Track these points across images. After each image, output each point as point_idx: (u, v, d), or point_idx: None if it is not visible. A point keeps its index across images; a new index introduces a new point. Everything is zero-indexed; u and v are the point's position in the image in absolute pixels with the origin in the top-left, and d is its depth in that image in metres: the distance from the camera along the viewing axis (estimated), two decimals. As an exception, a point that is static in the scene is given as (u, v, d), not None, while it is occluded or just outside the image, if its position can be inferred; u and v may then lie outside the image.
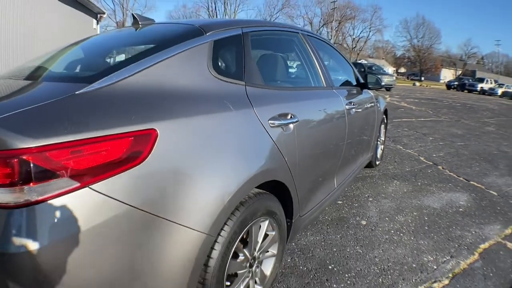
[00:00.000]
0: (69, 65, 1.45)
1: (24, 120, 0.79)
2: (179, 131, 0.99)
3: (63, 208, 0.77)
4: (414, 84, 32.51)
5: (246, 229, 1.23)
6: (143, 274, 0.92)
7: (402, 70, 67.21)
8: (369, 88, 2.93)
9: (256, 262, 1.39)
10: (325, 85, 2.16)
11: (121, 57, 1.17)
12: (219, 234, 1.09)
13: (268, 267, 1.50)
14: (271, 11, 54.82)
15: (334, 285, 1.68)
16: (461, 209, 2.72)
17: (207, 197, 1.02)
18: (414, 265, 1.90)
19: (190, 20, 1.51)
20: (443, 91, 23.87)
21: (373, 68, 18.39)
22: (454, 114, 9.13)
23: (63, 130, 0.78)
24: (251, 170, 1.19)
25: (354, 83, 2.82)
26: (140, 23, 1.61)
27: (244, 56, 1.43)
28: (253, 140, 1.27)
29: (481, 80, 26.57)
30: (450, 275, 1.83)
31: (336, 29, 51.86)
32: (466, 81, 27.20)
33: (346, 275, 1.77)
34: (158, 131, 0.91)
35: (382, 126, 3.65)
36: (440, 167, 3.86)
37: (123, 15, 46.83)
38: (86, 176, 0.79)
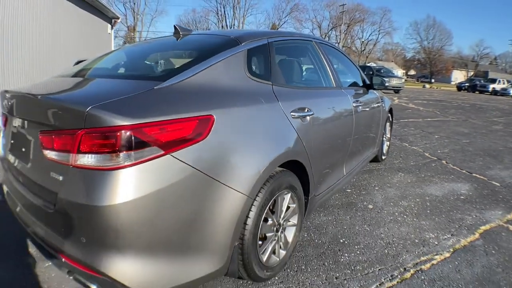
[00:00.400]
0: (135, 66, 1.83)
1: (123, 105, 1.12)
2: (228, 117, 1.32)
3: (151, 170, 1.10)
4: (424, 86, 32.41)
5: (274, 198, 1.55)
6: (202, 224, 1.24)
7: (412, 72, 66.79)
8: (374, 89, 3.22)
9: (281, 228, 1.71)
10: (335, 86, 2.47)
11: (180, 61, 1.50)
12: (255, 199, 1.40)
13: (290, 235, 1.80)
14: (280, 15, 55.55)
15: (346, 254, 1.97)
16: (462, 197, 2.97)
17: (248, 167, 1.35)
18: (416, 241, 2.17)
19: (224, 31, 1.81)
20: (453, 93, 23.78)
21: (382, 71, 18.42)
22: (462, 114, 9.27)
23: (152, 113, 1.11)
24: (278, 149, 1.52)
25: (361, 84, 3.12)
26: (181, 32, 1.95)
27: (270, 61, 1.77)
28: (279, 126, 1.59)
29: (493, 80, 26.36)
30: (451, 249, 2.08)
31: (345, 32, 51.96)
32: (478, 82, 27.00)
33: (356, 247, 2.06)
34: (214, 117, 1.24)
35: (388, 123, 3.92)
36: (444, 161, 4.10)
37: (134, 19, 48.05)
38: (168, 147, 1.12)
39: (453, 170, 3.75)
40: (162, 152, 1.11)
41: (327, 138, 2.11)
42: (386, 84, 16.37)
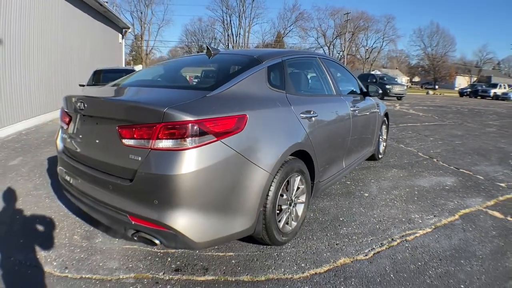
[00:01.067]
0: (185, 78, 2.42)
1: (188, 107, 1.63)
2: (256, 116, 1.84)
3: (207, 151, 1.60)
4: (427, 93, 32.78)
5: (287, 178, 2.05)
6: (238, 191, 1.73)
7: (416, 79, 67.14)
8: (370, 96, 3.72)
9: (293, 203, 2.20)
10: (335, 93, 2.98)
11: (219, 75, 2.04)
12: (275, 176, 1.90)
13: (299, 210, 2.29)
14: (285, 24, 56.27)
15: (344, 228, 2.46)
16: (447, 187, 3.44)
17: (270, 152, 1.86)
18: (403, 219, 2.65)
19: (248, 51, 2.36)
20: (454, 98, 24.16)
21: (385, 79, 18.82)
22: (459, 118, 9.71)
23: (208, 113, 1.63)
24: (291, 141, 2.03)
25: (359, 92, 3.62)
26: (212, 52, 2.48)
27: (284, 75, 2.30)
28: (291, 124, 2.11)
29: (494, 85, 26.71)
30: (433, 226, 2.54)
31: (350, 40, 52.29)
32: (479, 87, 27.36)
33: (353, 223, 2.54)
34: (247, 115, 1.75)
35: (384, 126, 4.41)
36: (435, 159, 4.57)
37: (141, 28, 49.18)
38: (218, 135, 1.63)
39: (442, 167, 4.21)
40: (215, 139, 1.62)
41: (328, 136, 2.61)
42: (389, 91, 16.88)
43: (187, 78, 2.43)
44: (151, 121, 1.59)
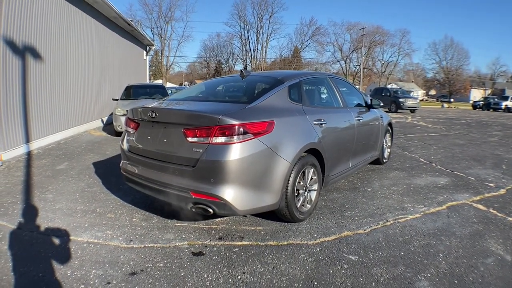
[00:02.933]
0: (226, 94, 3.24)
1: (235, 115, 2.34)
2: (281, 122, 2.54)
3: (248, 145, 2.30)
4: (442, 106, 32.91)
5: (303, 169, 2.72)
6: (268, 175, 2.42)
7: (433, 92, 66.84)
8: (374, 108, 4.36)
9: (307, 190, 2.86)
10: (342, 106, 3.66)
11: (253, 92, 2.81)
12: (294, 166, 2.58)
13: (313, 196, 2.94)
14: (302, 39, 56.96)
15: (348, 212, 3.08)
16: (439, 185, 4.01)
17: (291, 148, 2.56)
18: (397, 207, 3.25)
19: (272, 73, 3.22)
20: (467, 111, 24.32)
21: (398, 92, 19.48)
22: (465, 129, 10.15)
23: (248, 119, 2.35)
24: (306, 140, 2.73)
25: (364, 104, 4.28)
26: (245, 73, 3.21)
27: (301, 92, 3.02)
28: (306, 128, 2.82)
29: (505, 98, 26.78)
30: (422, 213, 3.12)
31: (366, 54, 52.49)
32: (491, 100, 27.46)
33: (356, 209, 3.17)
34: (275, 122, 2.46)
35: (388, 135, 5.03)
36: (433, 164, 5.13)
37: (161, 44, 50.90)
38: (255, 134, 2.34)
39: (439, 170, 4.78)
40: (253, 137, 2.32)
41: (336, 139, 3.28)
42: (402, 104, 17.36)
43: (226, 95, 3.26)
44: (209, 124, 2.31)
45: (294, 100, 2.92)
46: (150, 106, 2.77)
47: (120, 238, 2.59)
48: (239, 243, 2.52)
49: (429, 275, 2.09)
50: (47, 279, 2.04)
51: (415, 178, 4.29)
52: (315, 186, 2.96)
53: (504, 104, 24.97)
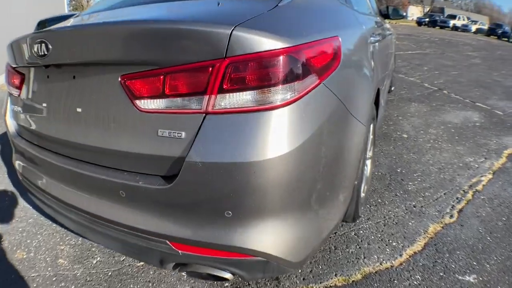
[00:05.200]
0: None
1: (270, 24, 0.84)
2: (347, 40, 1.30)
3: (312, 105, 0.86)
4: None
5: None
6: (341, 165, 1.06)
7: (371, 7, 66.04)
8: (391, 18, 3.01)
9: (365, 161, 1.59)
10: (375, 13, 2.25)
11: None
12: (368, 131, 1.25)
13: (368, 168, 1.70)
14: None
15: (410, 183, 1.97)
16: (477, 123, 3.09)
17: (366, 94, 1.26)
18: (460, 165, 2.23)
19: None
20: (414, 28, 24.09)
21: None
22: (436, 48, 9.50)
23: (302, 35, 0.86)
24: (379, 74, 1.34)
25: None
26: None
27: None
28: (369, 53, 1.43)
29: (453, 16, 27.01)
30: (491, 171, 2.17)
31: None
32: (437, 18, 27.46)
33: (415, 175, 2.06)
34: (340, 39, 1.03)
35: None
36: (445, 91, 4.21)
37: None
38: (321, 73, 0.89)
39: (457, 100, 3.86)
40: (318, 81, 0.87)
41: (382, 67, 1.94)
42: None
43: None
44: (202, 58, 0.78)
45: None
46: (42, 31, 1.07)
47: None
48: None
49: None
50: None
51: (443, 114, 3.30)
52: (371, 151, 1.72)
53: (452, 22, 25.13)
